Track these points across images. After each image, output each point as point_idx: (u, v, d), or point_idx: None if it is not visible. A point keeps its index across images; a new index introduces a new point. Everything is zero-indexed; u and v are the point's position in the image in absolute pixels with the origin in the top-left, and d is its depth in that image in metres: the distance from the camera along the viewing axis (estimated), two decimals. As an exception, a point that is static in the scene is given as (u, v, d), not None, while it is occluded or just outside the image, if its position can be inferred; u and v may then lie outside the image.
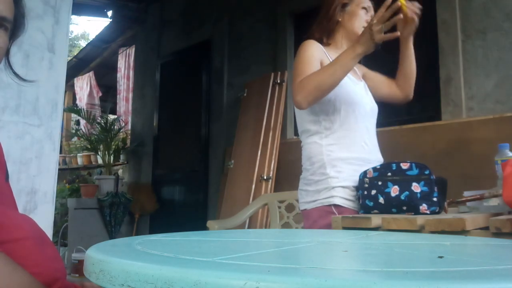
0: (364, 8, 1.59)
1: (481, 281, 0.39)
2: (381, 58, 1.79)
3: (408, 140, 2.65)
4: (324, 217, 1.43)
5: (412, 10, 1.41)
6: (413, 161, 1.36)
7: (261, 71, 3.78)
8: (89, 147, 5.19)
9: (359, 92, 1.58)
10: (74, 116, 5.72)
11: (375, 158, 1.57)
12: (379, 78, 1.72)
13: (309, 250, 0.66)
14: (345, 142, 1.50)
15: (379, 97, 1.68)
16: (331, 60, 1.53)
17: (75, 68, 6.39)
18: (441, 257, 0.55)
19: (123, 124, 5.38)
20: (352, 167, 1.48)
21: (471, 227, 1.06)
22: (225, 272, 0.42)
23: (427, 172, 1.32)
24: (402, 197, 1.32)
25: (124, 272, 0.45)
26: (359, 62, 1.72)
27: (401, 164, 1.36)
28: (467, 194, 1.42)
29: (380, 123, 1.66)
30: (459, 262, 0.54)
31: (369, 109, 1.59)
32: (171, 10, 4.92)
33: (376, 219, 1.18)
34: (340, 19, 1.61)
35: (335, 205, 1.43)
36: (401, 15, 1.37)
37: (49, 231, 1.89)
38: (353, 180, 1.46)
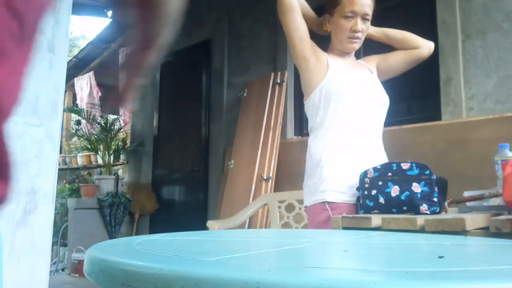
0: (346, 17, 1.55)
1: (481, 281, 0.39)
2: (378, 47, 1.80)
3: (408, 140, 2.65)
4: (318, 214, 1.47)
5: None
6: (413, 161, 1.36)
7: (261, 71, 3.77)
8: (89, 147, 5.19)
9: (360, 83, 1.57)
10: (74, 116, 5.71)
11: (373, 150, 1.56)
12: (393, 54, 1.73)
13: (309, 250, 0.66)
14: (340, 132, 1.51)
15: (404, 65, 1.71)
16: (329, 61, 1.57)
17: (75, 68, 6.38)
18: (441, 257, 0.55)
19: (123, 124, 5.38)
20: (346, 160, 1.49)
21: (471, 227, 1.06)
22: (225, 272, 0.42)
23: (427, 172, 1.32)
24: (403, 197, 1.32)
25: (124, 272, 0.45)
26: (367, 54, 1.77)
27: (402, 164, 1.36)
28: (467, 194, 1.42)
29: (381, 123, 1.65)
30: (459, 262, 0.54)
31: (373, 101, 1.57)
32: (171, 10, 4.92)
33: (376, 219, 1.18)
34: (329, 30, 1.63)
35: (328, 202, 1.45)
36: None
37: (49, 231, 1.89)
38: (347, 173, 1.47)
